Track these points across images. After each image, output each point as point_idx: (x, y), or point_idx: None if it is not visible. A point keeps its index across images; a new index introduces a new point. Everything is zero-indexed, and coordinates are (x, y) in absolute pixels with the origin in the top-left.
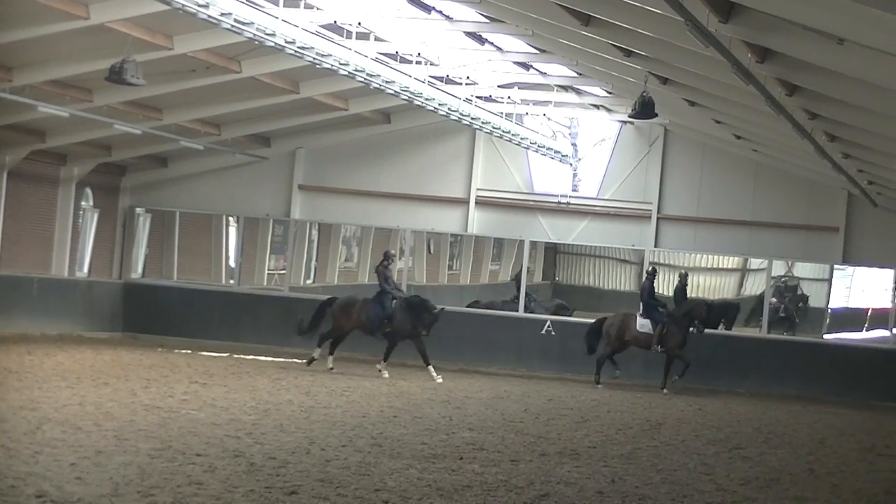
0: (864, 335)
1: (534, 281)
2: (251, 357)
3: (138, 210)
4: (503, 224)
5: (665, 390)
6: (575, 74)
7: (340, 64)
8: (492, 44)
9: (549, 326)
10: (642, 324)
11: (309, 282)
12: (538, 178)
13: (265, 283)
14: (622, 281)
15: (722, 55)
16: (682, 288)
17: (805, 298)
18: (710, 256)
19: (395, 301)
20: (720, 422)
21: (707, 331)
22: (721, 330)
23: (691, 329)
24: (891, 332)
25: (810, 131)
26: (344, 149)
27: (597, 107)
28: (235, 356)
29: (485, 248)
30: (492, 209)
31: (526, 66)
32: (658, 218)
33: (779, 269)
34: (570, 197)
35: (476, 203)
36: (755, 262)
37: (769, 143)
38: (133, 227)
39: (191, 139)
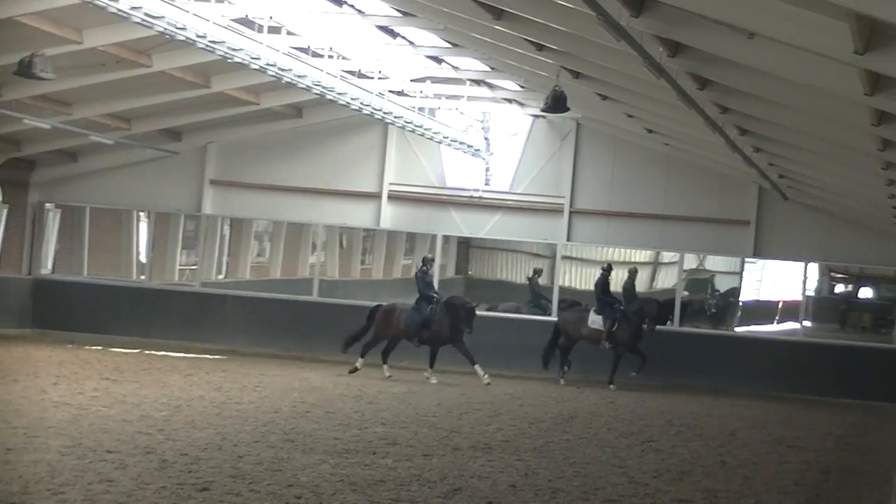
0: (774, 328)
1: (446, 275)
2: (162, 353)
3: (48, 205)
4: (416, 218)
5: (612, 386)
6: (487, 69)
7: (252, 58)
8: (404, 38)
9: None
10: (594, 320)
11: (220, 277)
12: (451, 172)
13: (176, 279)
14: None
15: (633, 49)
16: (631, 284)
17: (736, 292)
18: (622, 250)
19: (431, 307)
20: (632, 415)
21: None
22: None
23: (644, 326)
24: (801, 324)
25: (721, 125)
26: (256, 143)
27: (509, 101)
28: (146, 352)
29: (397, 243)
30: (404, 203)
31: (438, 60)
32: (570, 212)
33: (691, 262)
34: (482, 191)
35: (388, 197)
36: (667, 256)
37: (681, 136)
38: (43, 223)
39: (101, 134)
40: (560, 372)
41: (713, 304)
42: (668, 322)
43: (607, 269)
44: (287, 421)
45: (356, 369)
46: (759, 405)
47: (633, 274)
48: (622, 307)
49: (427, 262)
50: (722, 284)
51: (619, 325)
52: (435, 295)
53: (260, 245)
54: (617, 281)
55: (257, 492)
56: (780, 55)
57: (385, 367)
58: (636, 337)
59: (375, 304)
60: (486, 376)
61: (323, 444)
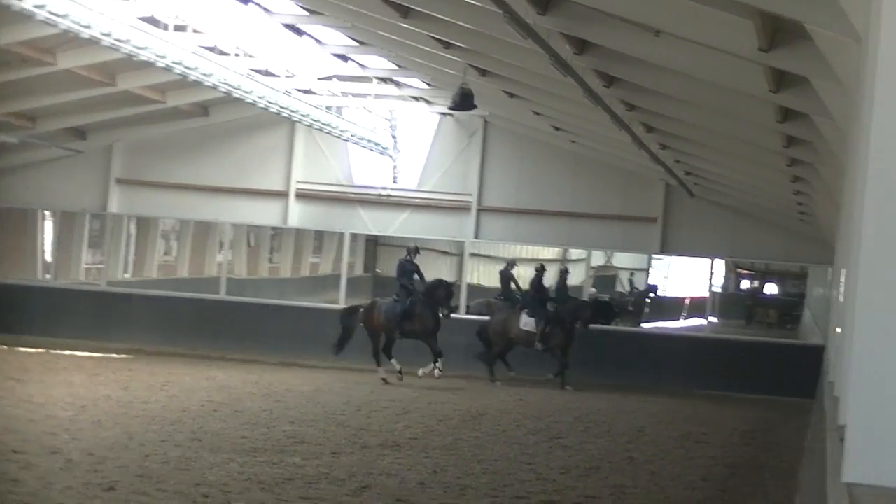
0: (681, 324)
1: (354, 273)
2: (68, 352)
3: None
4: (324, 216)
5: (568, 388)
6: (394, 67)
7: (157, 56)
8: (310, 36)
9: None
10: (526, 322)
11: (127, 276)
12: (358, 170)
13: (82, 278)
14: (443, 273)
15: (540, 47)
16: (563, 284)
17: (654, 289)
18: (530, 248)
19: (411, 298)
20: (541, 411)
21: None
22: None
23: (576, 326)
24: (707, 320)
25: (628, 122)
26: (162, 142)
27: (416, 99)
28: (52, 352)
29: (305, 241)
30: (312, 202)
31: (345, 58)
32: (478, 209)
33: (598, 259)
34: (390, 189)
35: (296, 196)
36: (575, 253)
37: (588, 134)
38: None
39: (5, 133)
40: (491, 374)
41: (633, 301)
42: (612, 321)
43: (541, 269)
44: (195, 420)
45: (385, 379)
46: (666, 401)
47: (564, 274)
48: (555, 307)
49: (411, 251)
50: (640, 282)
51: (552, 326)
52: (409, 285)
53: (167, 244)
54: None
55: (164, 491)
56: (685, 53)
57: (381, 369)
58: (570, 338)
59: (346, 306)
60: (436, 371)
61: (231, 442)
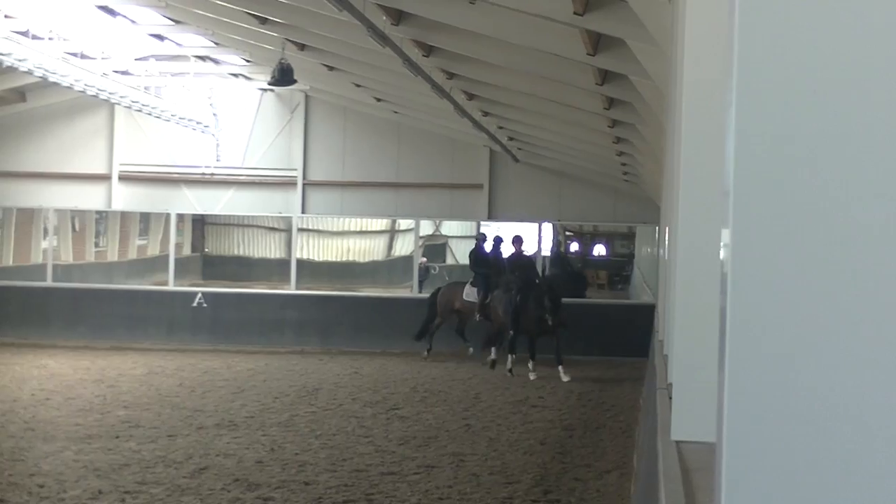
0: None
1: (182, 254)
2: None
3: None
4: (148, 198)
5: (532, 375)
6: (212, 44)
7: None
8: (124, 16)
9: (200, 298)
10: (468, 292)
11: None
12: (181, 150)
13: None
14: (272, 249)
15: (357, 19)
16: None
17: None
18: (358, 219)
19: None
20: (376, 383)
21: (360, 294)
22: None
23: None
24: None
25: (449, 91)
26: None
27: (236, 76)
28: None
29: (131, 224)
30: (136, 184)
31: (161, 37)
32: (304, 184)
33: (426, 228)
34: (214, 167)
35: (119, 178)
36: (404, 223)
37: (410, 104)
38: None
39: None
40: (428, 347)
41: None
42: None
43: (481, 239)
44: (26, 409)
45: (494, 362)
46: (500, 367)
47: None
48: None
49: (481, 238)
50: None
51: (493, 298)
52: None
53: None
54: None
55: None
56: (502, 19)
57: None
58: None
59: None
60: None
61: (64, 430)
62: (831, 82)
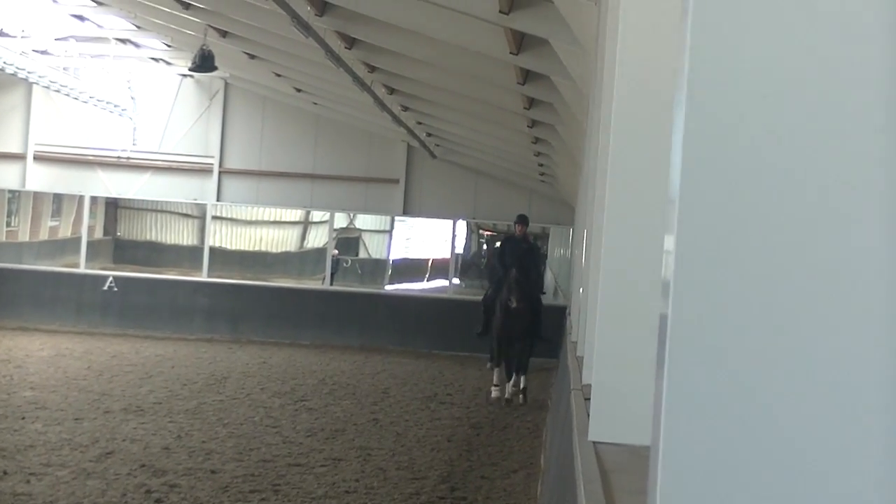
0: (424, 285)
1: (94, 237)
2: None
3: None
4: (63, 179)
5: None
6: (133, 27)
7: None
8: None
9: (111, 282)
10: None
11: None
12: (98, 132)
13: None
14: (185, 236)
15: (281, 8)
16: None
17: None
18: (272, 209)
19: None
20: (285, 374)
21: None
22: None
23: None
24: (450, 282)
25: (370, 84)
26: None
27: (156, 60)
28: None
29: (44, 205)
30: (51, 164)
31: (82, 18)
32: (220, 171)
33: (341, 221)
34: (130, 151)
35: (34, 158)
36: (317, 215)
37: (331, 96)
38: None
39: None
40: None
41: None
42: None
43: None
44: None
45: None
46: (410, 362)
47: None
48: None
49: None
50: (372, 243)
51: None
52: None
53: None
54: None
55: None
56: (426, 15)
57: None
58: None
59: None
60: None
61: None
62: (777, 93)
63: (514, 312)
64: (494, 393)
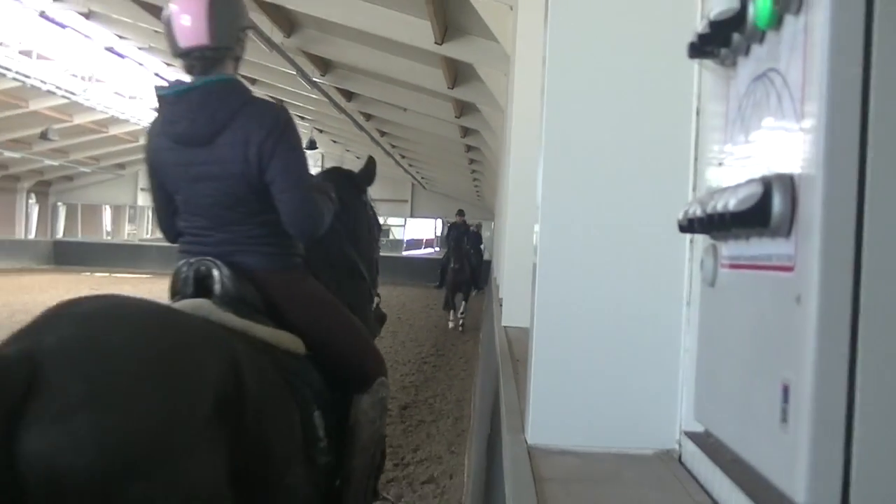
0: (422, 252)
1: None
2: None
3: None
4: None
5: None
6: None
7: None
8: None
9: None
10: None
11: None
12: None
13: None
14: None
15: (288, 61)
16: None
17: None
18: None
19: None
20: None
21: None
22: None
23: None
24: (434, 250)
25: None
26: None
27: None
28: None
29: None
30: None
31: None
32: None
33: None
34: None
35: None
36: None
37: (341, 137)
38: None
39: None
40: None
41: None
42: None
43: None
44: None
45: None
46: (415, 290)
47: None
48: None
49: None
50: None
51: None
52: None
53: None
54: None
55: None
56: (377, 52)
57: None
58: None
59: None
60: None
61: None
62: (615, 127)
63: (454, 271)
64: (451, 325)
